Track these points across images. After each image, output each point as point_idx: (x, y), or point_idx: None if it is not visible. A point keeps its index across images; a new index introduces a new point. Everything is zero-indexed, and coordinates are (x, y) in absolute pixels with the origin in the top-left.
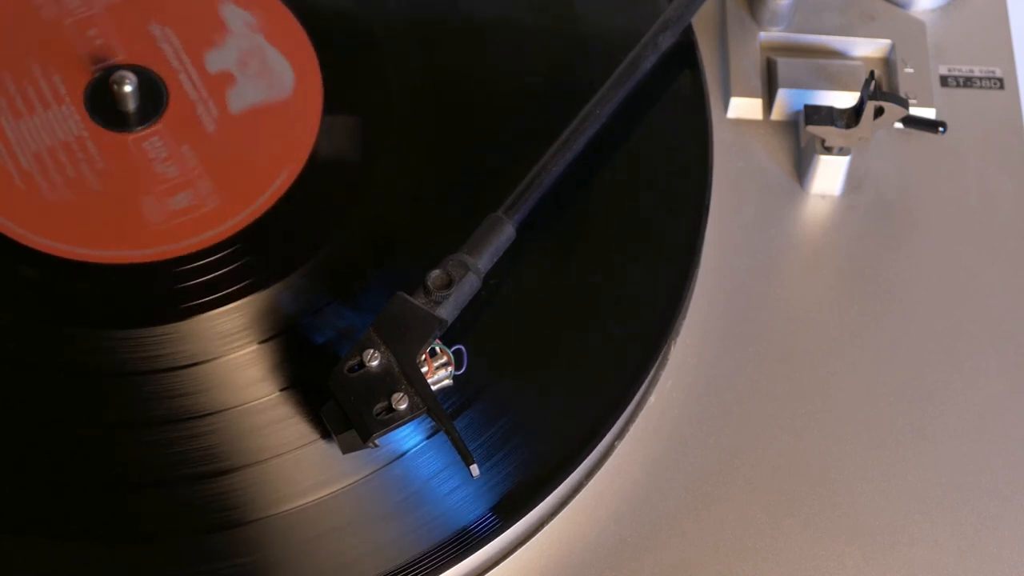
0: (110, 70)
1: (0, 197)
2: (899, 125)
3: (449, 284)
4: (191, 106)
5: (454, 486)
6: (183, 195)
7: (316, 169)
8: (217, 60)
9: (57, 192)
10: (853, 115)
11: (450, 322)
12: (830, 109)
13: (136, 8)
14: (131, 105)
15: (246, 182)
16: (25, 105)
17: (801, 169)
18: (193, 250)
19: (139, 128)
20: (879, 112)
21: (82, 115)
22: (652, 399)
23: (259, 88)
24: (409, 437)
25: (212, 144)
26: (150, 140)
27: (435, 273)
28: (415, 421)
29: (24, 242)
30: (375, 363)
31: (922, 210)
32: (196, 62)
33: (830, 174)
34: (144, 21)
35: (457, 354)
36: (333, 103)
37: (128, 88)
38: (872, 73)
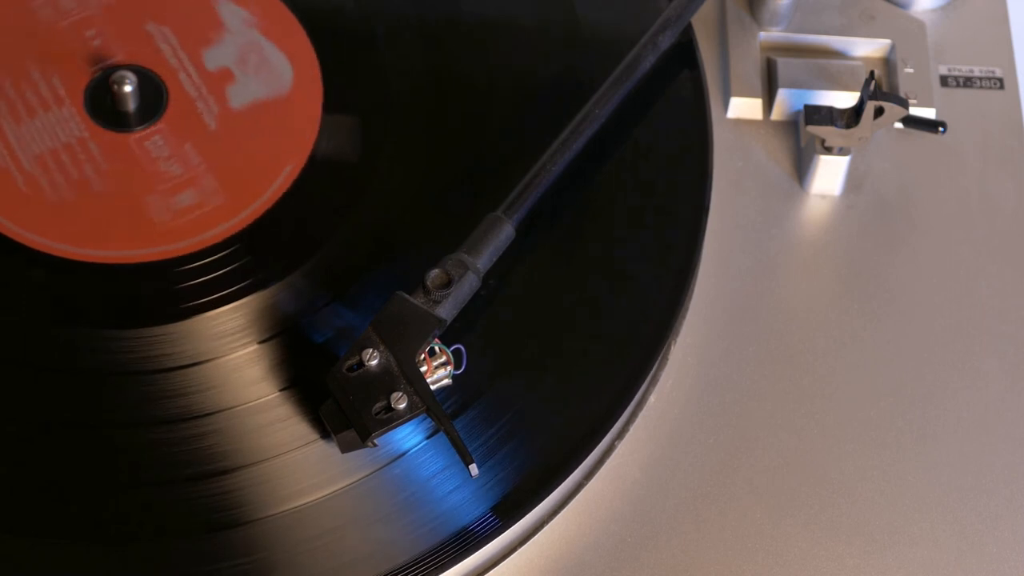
0: (109, 70)
1: (3, 200)
2: (899, 125)
3: (448, 283)
4: (191, 104)
5: (454, 486)
6: (187, 193)
7: (316, 169)
8: (216, 57)
9: (60, 193)
10: (853, 115)
11: (449, 321)
12: (830, 109)
13: (132, 8)
14: (131, 105)
15: (250, 178)
16: (25, 108)
17: (801, 169)
18: (193, 250)
19: (140, 128)
20: (879, 112)
21: (83, 116)
22: (652, 399)
23: (259, 84)
24: (409, 437)
25: (214, 141)
26: (152, 139)
27: (434, 272)
28: (414, 421)
29: (25, 243)
30: (374, 362)
31: (922, 210)
32: (195, 60)
33: (830, 174)
34: (141, 21)
35: (456, 353)
36: (333, 103)
37: (128, 88)
38: (872, 73)
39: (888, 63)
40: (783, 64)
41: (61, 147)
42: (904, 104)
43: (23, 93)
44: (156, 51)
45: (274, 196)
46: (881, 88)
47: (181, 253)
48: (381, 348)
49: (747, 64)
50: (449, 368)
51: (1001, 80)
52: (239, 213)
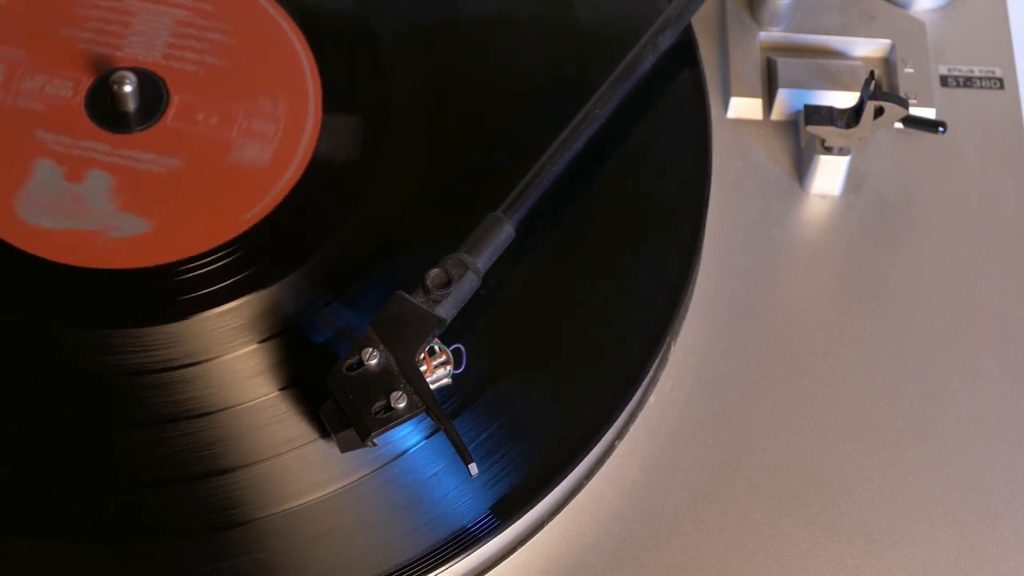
0: (109, 71)
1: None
2: (899, 125)
3: (448, 283)
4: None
5: (454, 486)
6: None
7: (316, 169)
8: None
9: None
10: (853, 115)
11: (449, 321)
12: (830, 109)
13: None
14: (131, 105)
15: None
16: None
17: (801, 169)
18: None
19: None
20: (879, 112)
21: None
22: (652, 399)
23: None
24: (409, 437)
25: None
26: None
27: (434, 272)
28: (414, 420)
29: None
30: (374, 362)
31: (922, 210)
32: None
33: (830, 174)
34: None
35: (456, 353)
36: (333, 103)
37: (128, 88)
38: (872, 73)
39: (888, 63)
40: (783, 64)
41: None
42: (904, 104)
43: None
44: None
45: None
46: (881, 88)
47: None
48: (381, 348)
49: (747, 64)
50: (449, 368)
51: (1001, 80)
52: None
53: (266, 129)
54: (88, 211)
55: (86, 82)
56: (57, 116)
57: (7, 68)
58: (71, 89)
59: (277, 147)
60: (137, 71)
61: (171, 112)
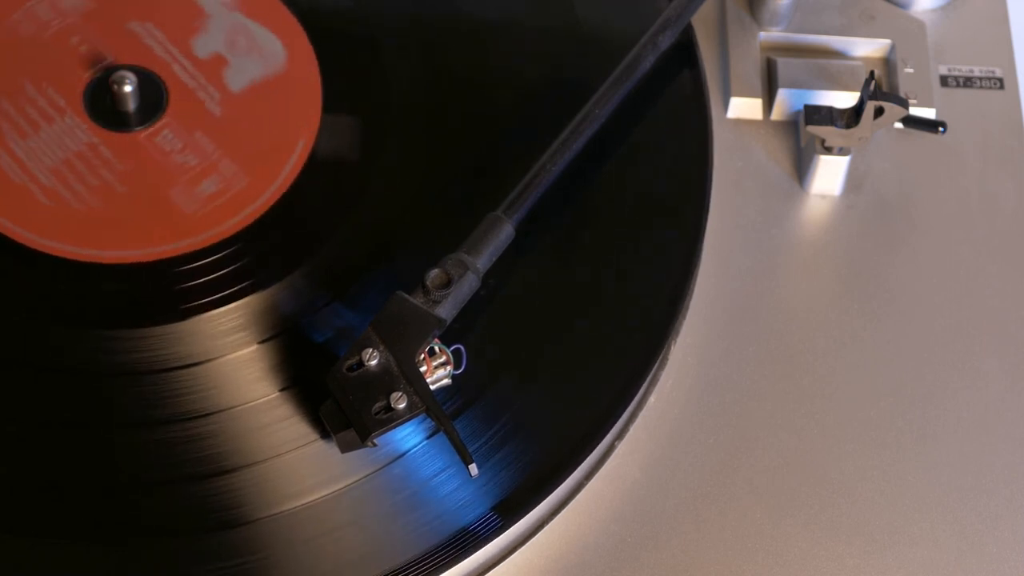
0: (107, 71)
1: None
2: (899, 125)
3: (448, 283)
4: (192, 94)
5: (454, 486)
6: (210, 180)
7: (316, 169)
8: (205, 45)
9: (85, 201)
10: (853, 115)
11: (449, 321)
12: (830, 109)
13: (112, 9)
14: (131, 104)
15: (266, 155)
16: (28, 124)
17: (801, 169)
18: (193, 250)
19: (145, 125)
20: (879, 112)
21: (87, 122)
22: (652, 399)
23: (254, 65)
24: (409, 437)
25: (223, 126)
26: (161, 134)
27: (434, 272)
28: (414, 421)
29: (26, 243)
30: (374, 362)
31: (922, 210)
32: (184, 51)
33: (830, 174)
34: (122, 20)
35: (456, 353)
36: (332, 102)
37: (128, 88)
38: (872, 73)
39: (888, 63)
40: (783, 64)
41: (73, 156)
42: (904, 104)
43: (22, 109)
44: (145, 48)
45: (275, 196)
46: (881, 88)
47: (182, 253)
48: (381, 348)
49: (747, 64)
50: (449, 368)
51: (1001, 80)
52: (241, 212)
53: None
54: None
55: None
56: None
57: None
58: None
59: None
60: (137, 71)
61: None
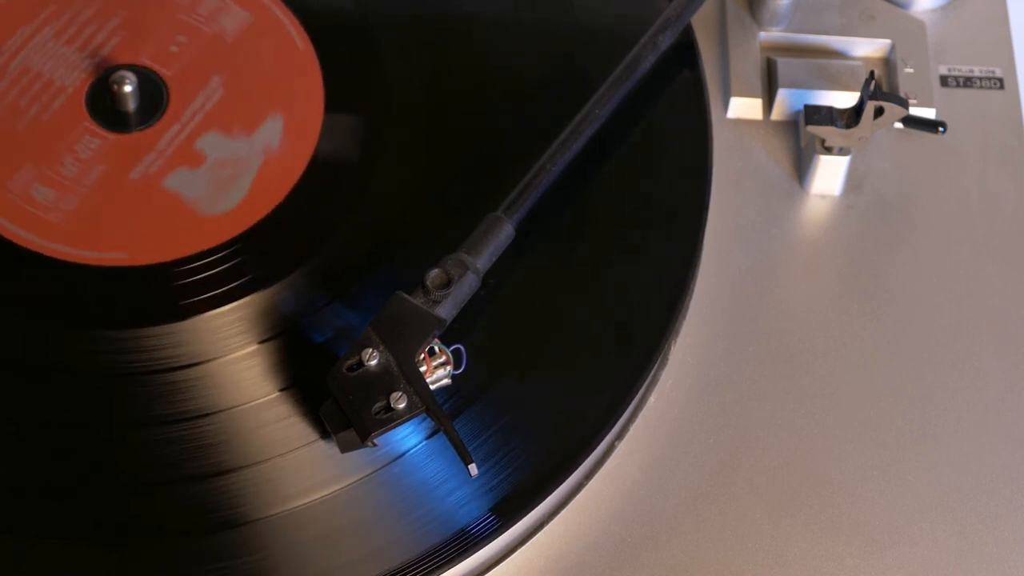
0: (107, 72)
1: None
2: (899, 125)
3: (448, 283)
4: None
5: (454, 486)
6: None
7: (316, 169)
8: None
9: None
10: (853, 115)
11: (449, 321)
12: (830, 109)
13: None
14: (132, 104)
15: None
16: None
17: (801, 169)
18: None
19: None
20: (879, 112)
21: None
22: (652, 399)
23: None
24: (409, 437)
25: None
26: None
27: (434, 272)
28: (414, 421)
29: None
30: (374, 362)
31: (922, 210)
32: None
33: (830, 174)
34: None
35: (456, 353)
36: (333, 102)
37: (128, 88)
38: (872, 73)
39: (888, 63)
40: (783, 64)
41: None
42: (904, 104)
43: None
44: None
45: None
46: (881, 88)
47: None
48: (381, 348)
49: (747, 64)
50: (449, 368)
51: (1001, 80)
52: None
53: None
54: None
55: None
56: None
57: None
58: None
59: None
60: (137, 71)
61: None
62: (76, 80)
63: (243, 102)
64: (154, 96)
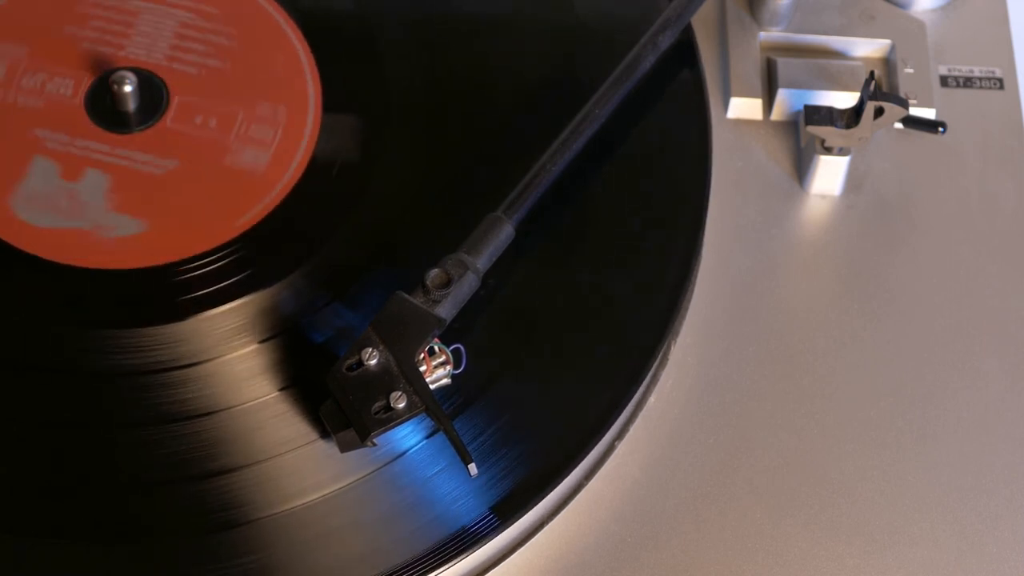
0: (107, 72)
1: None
2: (899, 125)
3: (448, 283)
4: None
5: (454, 486)
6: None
7: (316, 169)
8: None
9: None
10: (853, 115)
11: (449, 321)
12: (830, 109)
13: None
14: (132, 104)
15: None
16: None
17: (801, 169)
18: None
19: (145, 125)
20: (879, 112)
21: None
22: (652, 399)
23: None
24: (409, 437)
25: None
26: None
27: (434, 272)
28: (414, 420)
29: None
30: (373, 362)
31: (922, 210)
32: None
33: (830, 174)
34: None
35: (456, 353)
36: (333, 102)
37: (128, 88)
38: (872, 73)
39: (888, 63)
40: (783, 64)
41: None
42: (904, 104)
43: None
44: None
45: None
46: (881, 88)
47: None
48: (380, 348)
49: (747, 64)
50: (448, 368)
51: (1001, 80)
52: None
53: (265, 130)
54: (83, 210)
55: (87, 81)
56: (56, 115)
57: (8, 65)
58: (71, 88)
59: (277, 147)
60: (137, 71)
61: (171, 113)
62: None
63: (243, 102)
64: (154, 96)
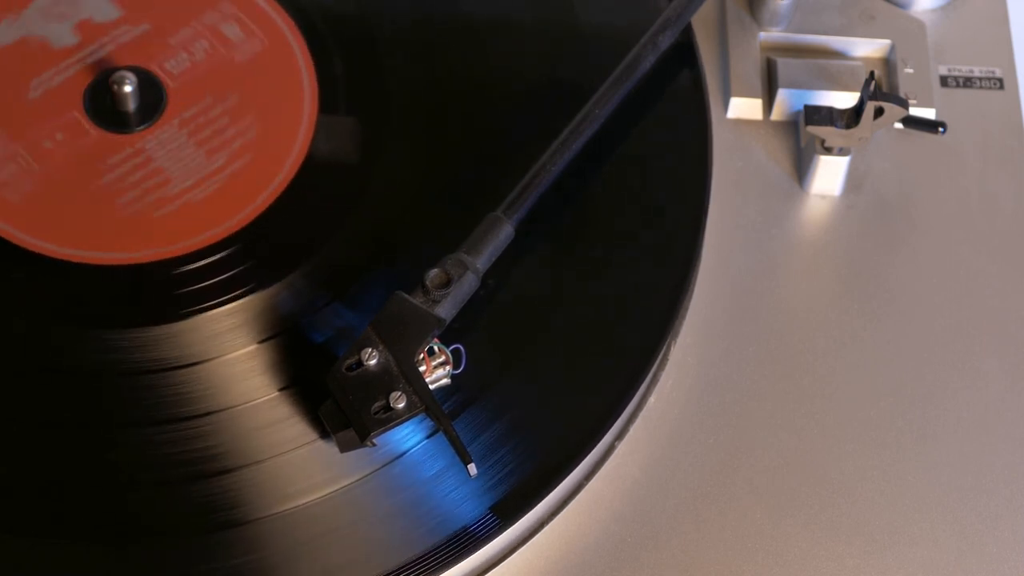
0: (107, 72)
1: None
2: (899, 125)
3: (447, 283)
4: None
5: (454, 486)
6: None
7: (315, 169)
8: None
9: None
10: (853, 115)
11: (448, 321)
12: (830, 109)
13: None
14: (132, 104)
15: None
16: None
17: (801, 169)
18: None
19: (145, 125)
20: (879, 112)
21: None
22: (652, 399)
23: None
24: (409, 437)
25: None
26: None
27: (433, 272)
28: (414, 421)
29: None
30: (373, 362)
31: (922, 210)
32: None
33: (830, 174)
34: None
35: (455, 353)
36: (331, 103)
37: (128, 88)
38: (872, 73)
39: (888, 63)
40: (783, 64)
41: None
42: (904, 104)
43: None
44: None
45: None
46: (881, 88)
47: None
48: (380, 348)
49: (747, 64)
50: (448, 368)
51: (1001, 80)
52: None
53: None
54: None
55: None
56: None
57: None
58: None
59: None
60: (137, 71)
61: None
62: None
63: (241, 102)
64: (154, 96)
